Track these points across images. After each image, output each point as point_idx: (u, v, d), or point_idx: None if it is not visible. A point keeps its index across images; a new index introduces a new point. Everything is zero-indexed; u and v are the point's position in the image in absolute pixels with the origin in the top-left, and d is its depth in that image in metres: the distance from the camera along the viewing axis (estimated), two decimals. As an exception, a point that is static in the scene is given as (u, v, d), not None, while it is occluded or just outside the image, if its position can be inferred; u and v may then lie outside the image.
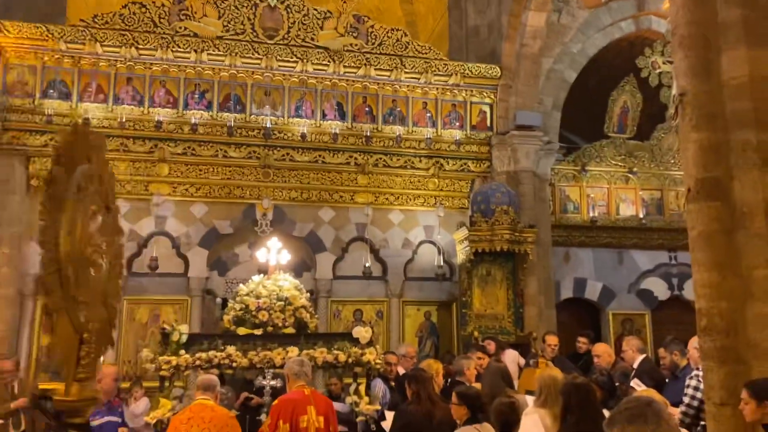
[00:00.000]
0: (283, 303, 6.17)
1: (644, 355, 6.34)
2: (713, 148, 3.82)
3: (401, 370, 7.23)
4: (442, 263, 9.50)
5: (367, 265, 9.22)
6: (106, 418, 5.45)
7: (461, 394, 4.58)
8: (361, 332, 6.00)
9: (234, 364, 5.61)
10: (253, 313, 6.10)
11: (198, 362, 5.55)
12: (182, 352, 5.59)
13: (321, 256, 9.62)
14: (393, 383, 7.00)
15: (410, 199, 10.02)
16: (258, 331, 5.98)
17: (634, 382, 5.86)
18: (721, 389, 3.66)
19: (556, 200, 10.49)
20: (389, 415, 5.72)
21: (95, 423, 5.39)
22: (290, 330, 6.10)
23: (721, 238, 3.75)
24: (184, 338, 5.69)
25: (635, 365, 6.23)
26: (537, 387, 4.55)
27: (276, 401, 5.00)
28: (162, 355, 5.57)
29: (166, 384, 5.63)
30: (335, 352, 5.82)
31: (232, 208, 9.45)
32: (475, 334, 8.49)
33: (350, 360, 5.81)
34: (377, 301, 9.73)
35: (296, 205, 9.62)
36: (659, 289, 10.76)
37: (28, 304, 8.60)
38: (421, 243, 10.04)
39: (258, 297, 6.18)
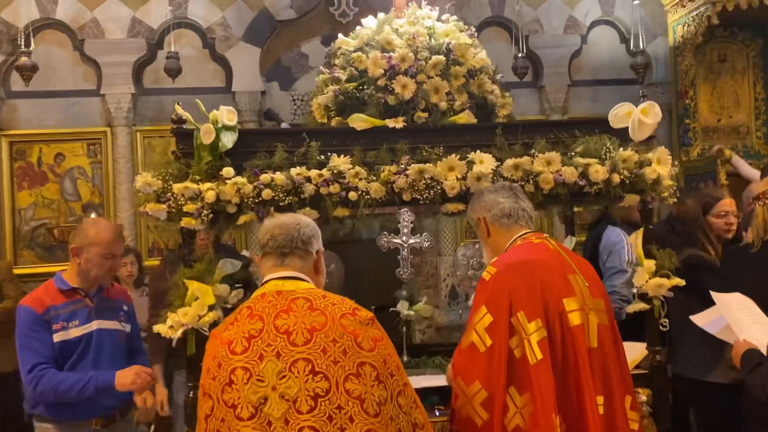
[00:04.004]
0: (443, 58, 2.63)
1: None
2: None
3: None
4: (640, 49, 5.75)
5: (520, 55, 5.56)
6: (96, 325, 2.51)
7: None
8: (635, 116, 2.51)
9: (349, 196, 2.28)
10: (380, 81, 2.61)
11: (271, 191, 2.23)
12: (228, 170, 2.27)
13: (438, 52, 6.02)
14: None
15: (578, -51, 6.16)
16: (397, 122, 2.53)
17: None
18: None
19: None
20: (725, 301, 2.44)
21: (59, 338, 2.45)
22: (464, 118, 2.63)
23: None
24: (230, 141, 2.32)
25: None
26: None
27: (493, 271, 1.77)
28: (182, 181, 2.27)
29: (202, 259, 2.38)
30: (582, 159, 2.40)
31: (292, -23, 5.83)
32: (727, 153, 4.90)
33: (622, 177, 2.40)
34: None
35: (394, -31, 5.91)
36: None
37: None
38: (594, 23, 6.31)
39: (387, 50, 2.68)
